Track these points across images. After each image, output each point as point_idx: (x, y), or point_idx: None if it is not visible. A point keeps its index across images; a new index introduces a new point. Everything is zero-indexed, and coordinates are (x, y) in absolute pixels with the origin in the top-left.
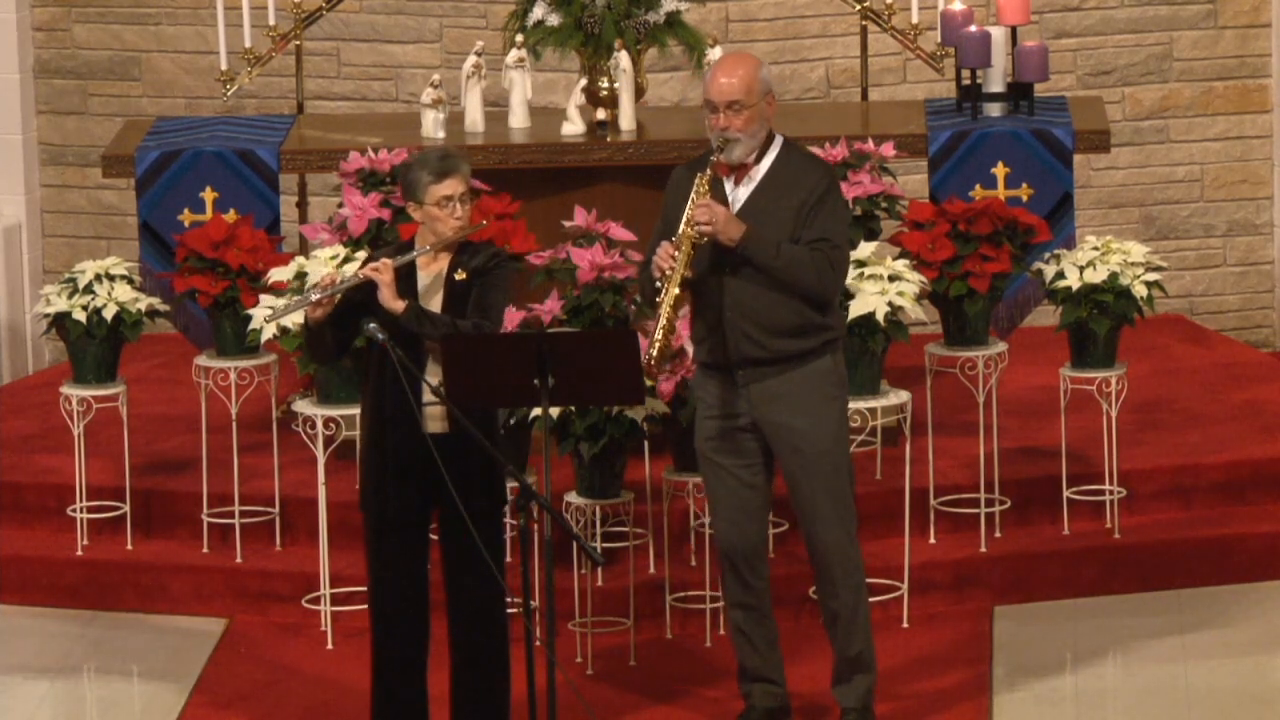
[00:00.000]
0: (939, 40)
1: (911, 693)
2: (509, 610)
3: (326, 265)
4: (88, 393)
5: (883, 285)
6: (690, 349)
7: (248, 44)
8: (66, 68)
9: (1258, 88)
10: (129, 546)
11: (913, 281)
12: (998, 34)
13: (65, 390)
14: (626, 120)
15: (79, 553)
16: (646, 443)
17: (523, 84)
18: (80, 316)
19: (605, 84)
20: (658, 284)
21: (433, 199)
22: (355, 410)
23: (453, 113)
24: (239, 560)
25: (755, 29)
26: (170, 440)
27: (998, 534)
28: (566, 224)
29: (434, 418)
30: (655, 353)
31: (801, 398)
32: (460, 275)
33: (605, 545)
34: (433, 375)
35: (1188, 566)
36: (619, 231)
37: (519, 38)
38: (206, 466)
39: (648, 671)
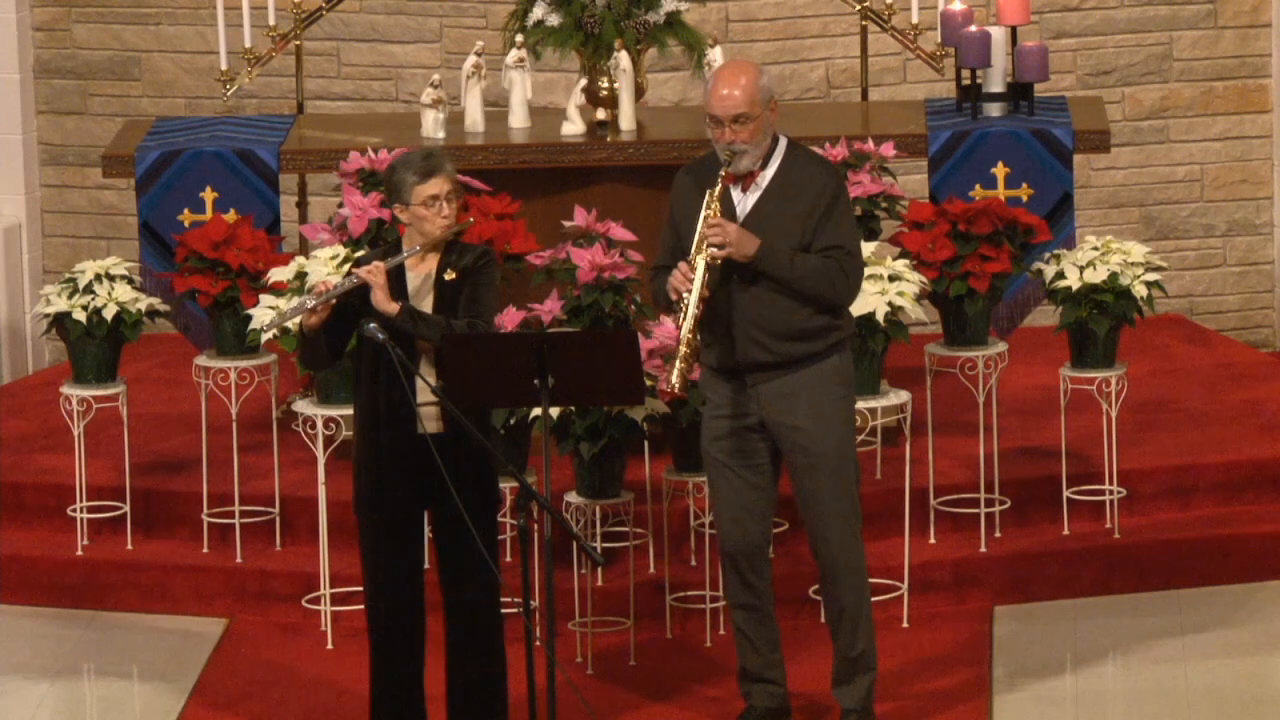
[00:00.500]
0: (939, 40)
1: (911, 693)
2: (509, 610)
3: (327, 265)
4: (88, 393)
5: (883, 285)
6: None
7: (248, 44)
8: (66, 68)
9: (1258, 88)
10: (129, 546)
11: (913, 281)
12: (998, 34)
13: (65, 390)
14: (626, 120)
15: (79, 553)
16: (646, 443)
17: (523, 84)
18: (80, 316)
19: (605, 84)
20: (675, 306)
21: (419, 199)
22: (352, 411)
23: (453, 113)
24: (239, 560)
25: (755, 29)
26: (170, 440)
27: (998, 534)
28: (566, 224)
29: (428, 417)
30: (676, 379)
31: (809, 397)
32: (450, 275)
33: (605, 545)
34: (426, 375)
35: (1188, 566)
36: (619, 231)
37: (519, 38)
38: (206, 466)
39: (648, 671)
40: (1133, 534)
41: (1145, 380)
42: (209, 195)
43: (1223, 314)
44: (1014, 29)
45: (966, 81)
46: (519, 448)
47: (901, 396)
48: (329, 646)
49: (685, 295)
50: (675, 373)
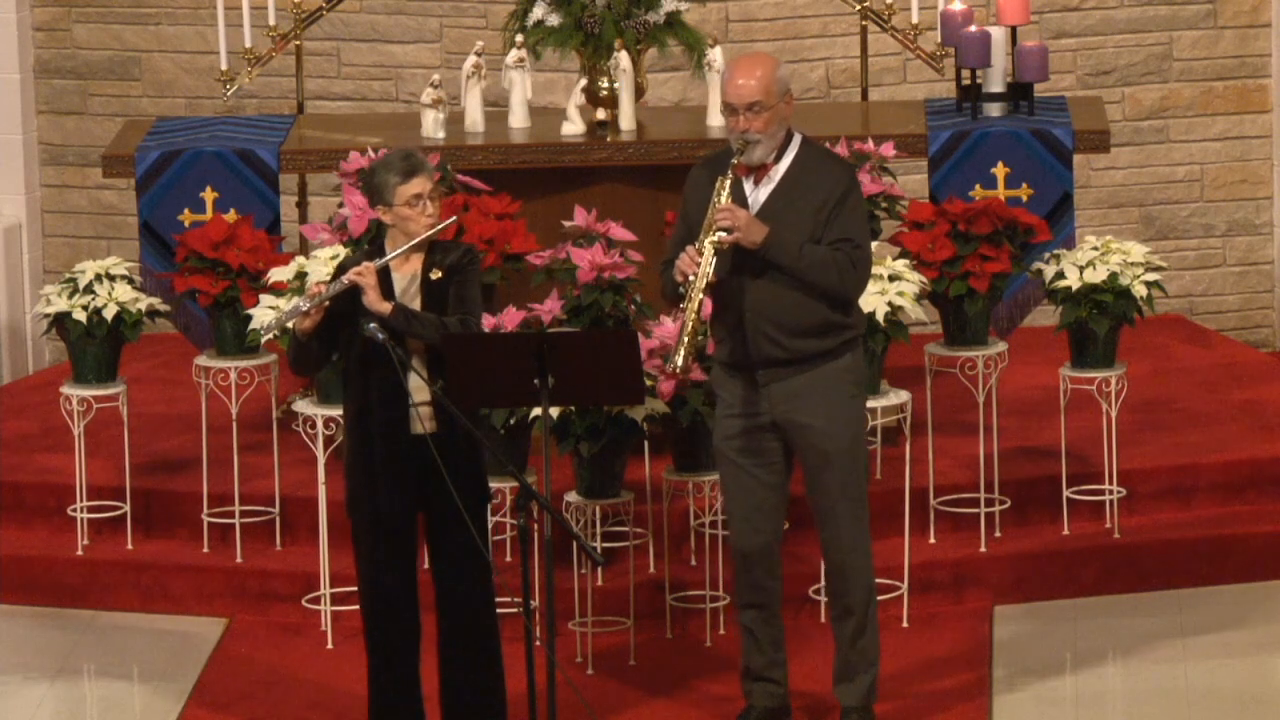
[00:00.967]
0: (939, 40)
1: (911, 693)
2: (509, 610)
3: (326, 265)
4: (88, 393)
5: (883, 285)
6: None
7: (248, 44)
8: (66, 68)
9: (1258, 88)
10: (129, 546)
11: (913, 281)
12: (998, 34)
13: (65, 390)
14: (626, 120)
15: (79, 553)
16: (646, 443)
17: (523, 84)
18: (80, 316)
19: (605, 84)
20: (681, 289)
21: (402, 199)
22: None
23: (453, 113)
24: (239, 560)
25: (755, 29)
26: (170, 440)
27: (998, 534)
28: (566, 224)
29: (420, 417)
30: (680, 360)
31: (822, 397)
32: (435, 274)
33: (605, 545)
34: (416, 378)
35: (1188, 566)
36: (619, 231)
37: (519, 38)
38: (206, 466)
39: (648, 671)
40: (1133, 534)
41: (1145, 380)
42: (209, 195)
43: (1223, 314)
44: (1014, 29)
45: (966, 81)
46: (519, 448)
47: (901, 396)
48: (329, 646)
49: (691, 278)
50: (679, 354)
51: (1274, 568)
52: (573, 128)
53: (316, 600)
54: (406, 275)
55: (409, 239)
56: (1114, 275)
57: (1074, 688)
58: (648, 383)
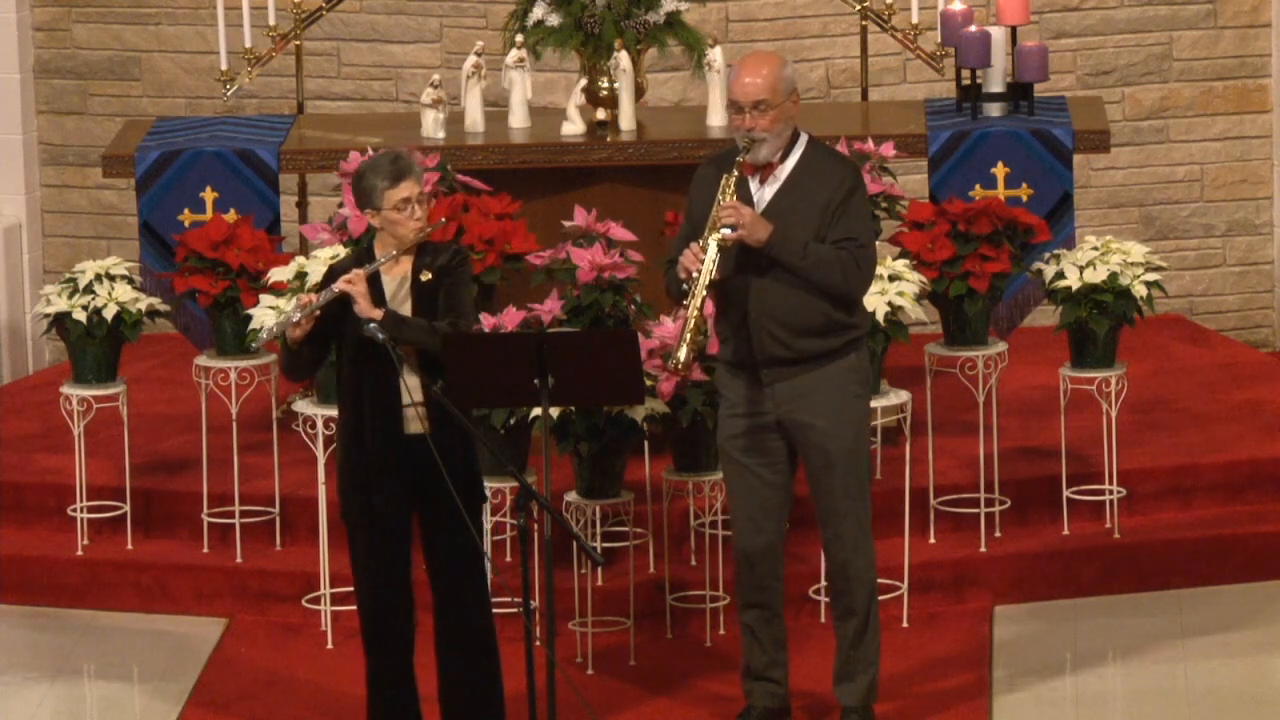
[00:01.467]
0: (939, 40)
1: (911, 693)
2: (509, 610)
3: (326, 265)
4: (88, 393)
5: (883, 285)
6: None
7: (248, 44)
8: (66, 68)
9: (1258, 88)
10: (129, 546)
11: (913, 281)
12: (998, 34)
13: (65, 390)
14: (626, 120)
15: (79, 553)
16: (646, 443)
17: (523, 84)
18: (80, 316)
19: (605, 84)
20: (684, 286)
21: (390, 204)
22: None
23: (453, 113)
24: (239, 560)
25: (755, 29)
26: (170, 440)
27: (998, 534)
28: (566, 224)
29: (413, 418)
30: (682, 357)
31: (826, 396)
32: (425, 276)
33: (605, 545)
34: (410, 377)
35: (1188, 566)
36: (619, 231)
37: (519, 38)
38: (206, 466)
39: (648, 671)
40: (1133, 534)
41: (1145, 380)
42: (209, 195)
43: (1223, 314)
44: (1014, 29)
45: (966, 81)
46: (519, 448)
47: (901, 396)
48: (329, 646)
49: (695, 275)
50: (681, 351)
51: (1274, 568)
52: (573, 128)
53: (316, 600)
54: (396, 278)
55: (398, 242)
56: (1114, 275)
57: (1074, 688)
58: (648, 383)
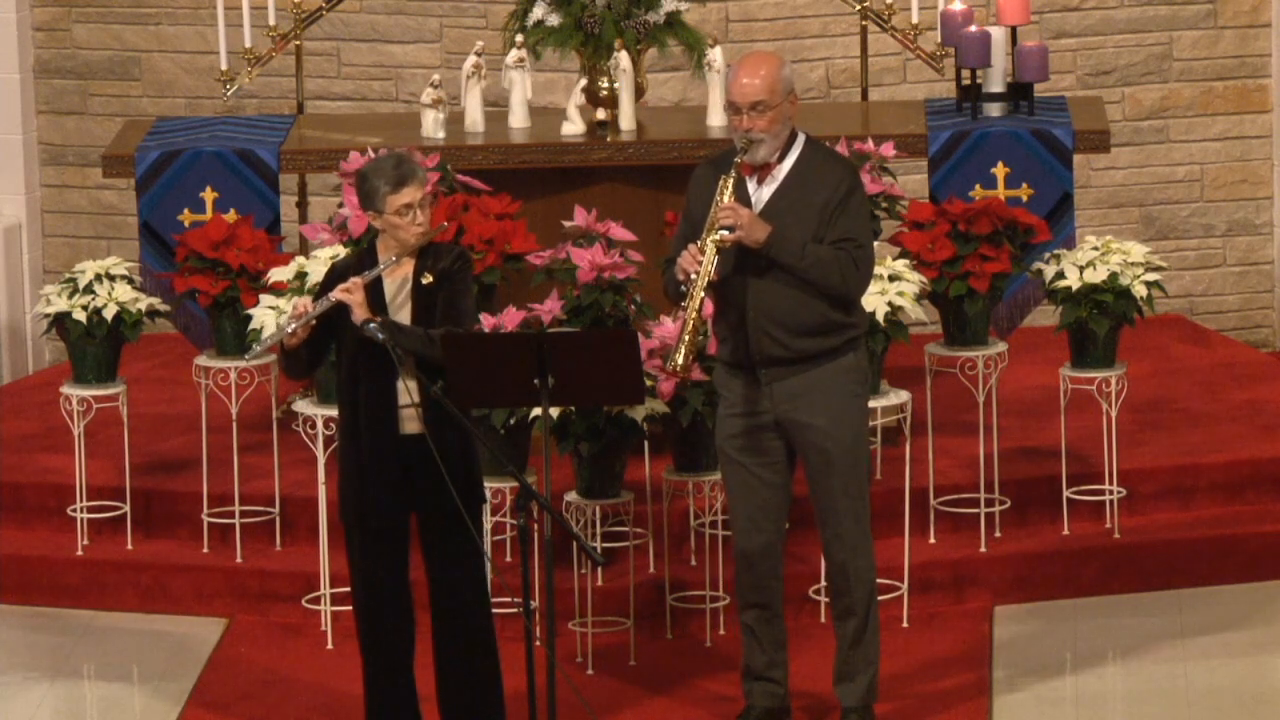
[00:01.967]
0: (939, 40)
1: (911, 693)
2: (508, 610)
3: (326, 266)
4: (88, 393)
5: (883, 285)
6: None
7: (248, 44)
8: (66, 68)
9: (1258, 88)
10: (129, 546)
11: (913, 281)
12: (998, 34)
13: (65, 390)
14: (626, 120)
15: (79, 553)
16: (646, 443)
17: (523, 84)
18: (80, 316)
19: (605, 84)
20: (682, 288)
21: (392, 208)
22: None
23: (453, 113)
24: (239, 560)
25: (755, 29)
26: (170, 440)
27: (998, 534)
28: (566, 224)
29: (410, 419)
30: (680, 359)
31: (824, 395)
32: (427, 279)
33: (605, 545)
34: (407, 379)
35: (1188, 566)
36: (619, 231)
37: (519, 38)
38: (206, 466)
39: (648, 671)
40: (1133, 534)
41: (1145, 380)
42: (209, 195)
43: (1223, 314)
44: (1014, 29)
45: (966, 81)
46: (519, 448)
47: (901, 396)
48: (329, 646)
49: (693, 276)
50: (680, 353)
51: (1274, 568)
52: (573, 128)
53: (316, 600)
54: (397, 280)
55: (400, 245)
56: (1114, 275)
57: (1074, 688)
58: (648, 383)
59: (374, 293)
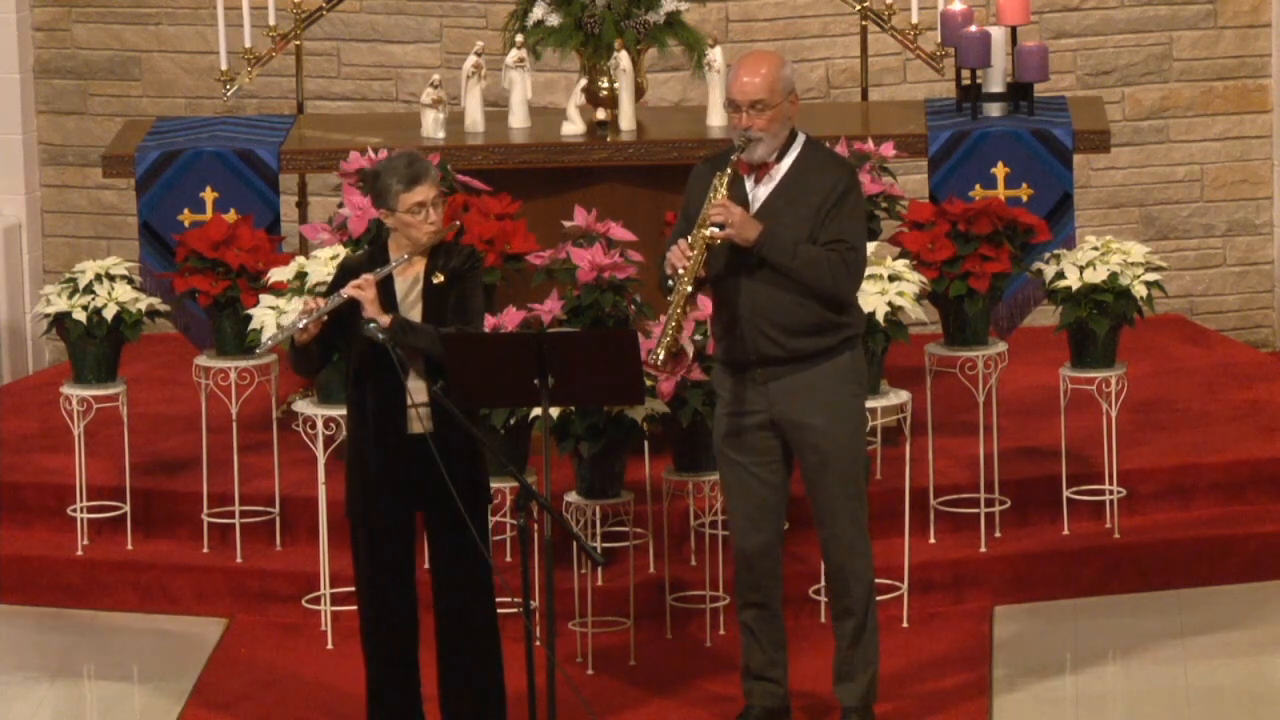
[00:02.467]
0: (939, 40)
1: (911, 693)
2: (509, 610)
3: (327, 266)
4: (88, 393)
5: (883, 285)
6: (691, 349)
7: (248, 44)
8: (66, 68)
9: (1258, 88)
10: (129, 546)
11: (913, 281)
12: (998, 34)
13: (65, 390)
14: (626, 120)
15: (79, 553)
16: (646, 443)
17: (523, 84)
18: (80, 316)
19: (605, 84)
20: (670, 282)
21: (404, 207)
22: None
23: (453, 113)
24: (239, 560)
25: (755, 29)
26: (170, 440)
27: (998, 534)
28: (566, 224)
29: (416, 418)
30: (662, 352)
31: (821, 395)
32: (438, 278)
33: (605, 545)
34: (415, 379)
35: (1188, 566)
36: (619, 231)
37: (519, 38)
38: (206, 466)
39: (648, 671)
40: (1133, 534)
41: (1145, 380)
42: (209, 195)
43: (1223, 314)
44: (1014, 29)
45: (966, 81)
46: (519, 448)
47: (901, 396)
48: (329, 646)
49: (680, 271)
50: (661, 345)
51: (1274, 568)
52: (573, 128)
53: (316, 600)
54: (409, 279)
55: (411, 244)
56: (1114, 275)
57: (1074, 688)
58: (648, 383)
59: (385, 291)
